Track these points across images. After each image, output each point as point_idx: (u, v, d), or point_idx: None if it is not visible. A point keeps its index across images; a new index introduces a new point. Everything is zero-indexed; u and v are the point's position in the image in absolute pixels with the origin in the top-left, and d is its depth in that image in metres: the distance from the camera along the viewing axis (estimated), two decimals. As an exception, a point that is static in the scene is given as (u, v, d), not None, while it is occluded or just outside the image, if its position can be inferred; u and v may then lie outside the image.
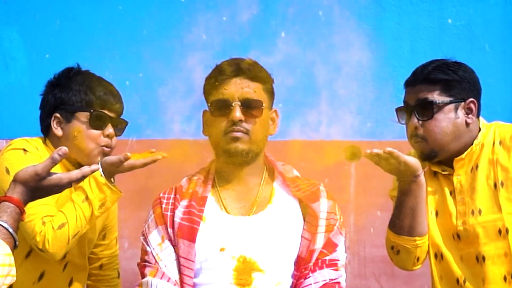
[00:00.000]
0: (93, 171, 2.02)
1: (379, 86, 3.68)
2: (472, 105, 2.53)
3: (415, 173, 2.40)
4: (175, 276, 2.34)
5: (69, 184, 1.99)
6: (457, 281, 2.50)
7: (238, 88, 2.40)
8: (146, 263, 2.38)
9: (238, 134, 2.37)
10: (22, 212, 1.93)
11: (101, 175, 2.46)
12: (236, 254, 2.32)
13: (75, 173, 1.99)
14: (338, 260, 2.37)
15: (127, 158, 2.44)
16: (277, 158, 2.55)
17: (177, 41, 3.72)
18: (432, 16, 3.68)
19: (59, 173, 1.99)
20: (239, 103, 2.38)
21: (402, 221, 2.49)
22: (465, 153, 2.52)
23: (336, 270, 2.35)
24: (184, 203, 2.40)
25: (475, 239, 2.48)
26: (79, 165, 2.60)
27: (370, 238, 3.61)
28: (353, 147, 3.67)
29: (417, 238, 2.50)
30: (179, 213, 2.38)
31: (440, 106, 2.50)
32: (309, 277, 2.33)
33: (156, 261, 2.36)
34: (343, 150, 3.67)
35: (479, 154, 2.53)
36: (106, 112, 2.60)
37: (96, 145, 2.58)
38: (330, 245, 2.37)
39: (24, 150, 2.51)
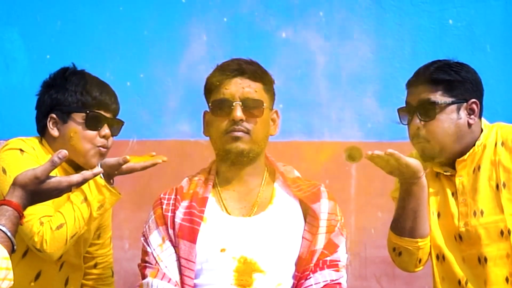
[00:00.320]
0: (95, 175, 1.99)
1: (380, 87, 3.68)
2: (474, 106, 2.52)
3: (416, 175, 2.39)
4: (175, 277, 2.34)
5: (68, 188, 1.96)
6: (459, 282, 2.50)
7: (239, 88, 2.40)
8: (147, 264, 2.37)
9: (239, 134, 2.37)
10: (21, 216, 1.91)
11: (101, 177, 2.46)
12: (236, 254, 2.32)
13: (76, 177, 1.97)
14: (339, 260, 2.37)
15: (126, 161, 2.45)
16: (278, 159, 2.55)
17: (178, 42, 3.72)
18: (433, 17, 3.68)
19: (59, 176, 1.97)
20: (240, 103, 2.38)
21: (403, 222, 2.49)
22: (467, 154, 2.52)
23: (337, 271, 2.35)
24: (184, 203, 2.40)
25: (477, 240, 2.48)
26: (76, 166, 2.61)
27: (371, 239, 3.60)
28: (354, 148, 3.68)
29: (419, 239, 2.50)
30: (179, 214, 2.38)
31: (443, 107, 2.50)
32: (310, 278, 2.33)
33: (156, 262, 2.36)
34: (344, 151, 3.68)
35: (481, 155, 2.52)
36: (102, 112, 2.60)
37: (92, 145, 2.58)
38: (331, 246, 2.37)
39: (21, 150, 2.51)
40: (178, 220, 2.37)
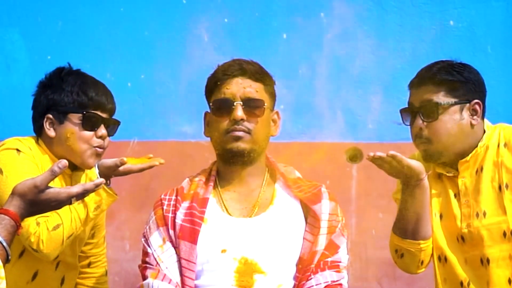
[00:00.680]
0: (96, 186, 1.96)
1: (380, 87, 3.67)
2: (477, 107, 2.52)
3: (418, 177, 2.39)
4: (176, 278, 2.34)
5: (68, 199, 1.93)
6: (461, 283, 2.49)
7: (240, 88, 2.40)
8: (147, 265, 2.37)
9: (240, 134, 2.37)
10: (17, 226, 1.88)
11: (98, 178, 2.46)
12: (237, 255, 2.32)
13: (76, 188, 1.94)
14: (340, 261, 2.37)
15: (123, 163, 2.45)
16: (279, 160, 2.54)
17: (179, 43, 3.72)
18: (434, 18, 3.68)
19: (58, 187, 1.94)
20: (241, 103, 2.38)
21: (406, 224, 2.48)
22: (470, 155, 2.51)
23: (338, 272, 2.35)
24: (185, 204, 2.40)
25: (479, 242, 2.47)
26: (72, 166, 2.61)
27: (372, 240, 3.60)
28: (355, 149, 3.68)
29: (421, 241, 2.49)
30: (180, 215, 2.38)
31: (445, 108, 2.50)
32: (311, 279, 2.33)
33: (157, 263, 2.35)
34: (344, 152, 3.68)
35: (484, 156, 2.52)
36: (98, 113, 2.60)
37: (89, 146, 2.58)
38: (332, 247, 2.36)
39: (18, 150, 2.51)
40: (178, 221, 2.37)
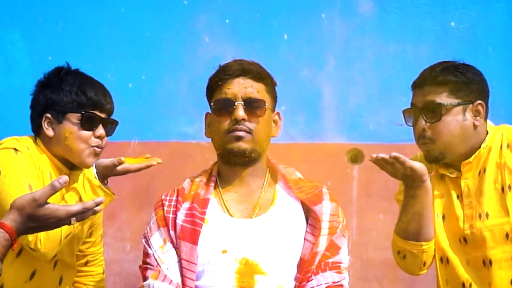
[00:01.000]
0: (97, 204, 1.94)
1: (381, 89, 3.67)
2: (480, 108, 2.52)
3: (421, 179, 2.38)
4: (177, 278, 2.33)
5: (67, 218, 1.89)
6: (463, 285, 2.49)
7: (241, 88, 2.40)
8: (148, 266, 2.37)
9: (241, 133, 2.37)
10: (12, 240, 1.84)
11: (95, 177, 2.47)
12: (238, 256, 2.32)
13: (76, 206, 1.90)
14: (341, 262, 2.36)
15: (121, 162, 2.45)
16: (280, 161, 2.54)
17: (180, 44, 3.72)
18: (435, 19, 3.68)
19: (57, 204, 1.91)
20: (242, 103, 2.38)
21: (408, 226, 2.48)
22: (473, 156, 2.51)
23: (339, 273, 2.34)
24: (186, 205, 2.40)
25: (482, 243, 2.47)
26: (70, 165, 2.62)
27: (373, 241, 3.60)
28: (356, 150, 3.68)
29: (423, 243, 2.49)
30: (181, 216, 2.38)
31: (448, 108, 2.49)
32: (312, 280, 2.32)
33: (158, 263, 2.35)
34: (345, 153, 3.68)
35: (487, 157, 2.51)
36: (97, 113, 2.60)
37: (87, 145, 2.59)
38: (333, 248, 2.36)
39: (15, 149, 2.51)
40: (179, 221, 2.37)
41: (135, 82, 3.71)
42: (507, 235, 2.45)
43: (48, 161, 2.58)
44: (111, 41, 3.72)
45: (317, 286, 2.31)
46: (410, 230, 2.48)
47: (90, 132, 2.59)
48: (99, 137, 2.60)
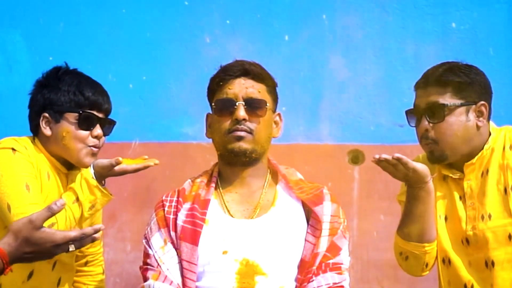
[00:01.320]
0: (96, 231, 1.93)
1: (382, 89, 3.67)
2: (483, 108, 2.51)
3: (423, 180, 2.38)
4: (177, 279, 2.33)
5: (65, 243, 1.86)
6: (465, 286, 2.49)
7: (242, 88, 2.40)
8: (148, 266, 2.37)
9: (242, 134, 2.37)
10: (4, 264, 1.81)
11: (93, 177, 2.47)
12: (239, 257, 2.32)
13: (74, 232, 1.88)
14: (342, 263, 2.36)
15: (118, 163, 2.46)
16: (281, 162, 2.54)
17: (181, 44, 3.72)
18: (436, 20, 3.68)
19: (54, 229, 1.89)
20: (243, 103, 2.38)
21: (410, 227, 2.48)
22: (476, 157, 2.51)
23: (340, 273, 2.34)
24: (186, 206, 2.40)
25: (484, 244, 2.46)
26: (68, 165, 2.62)
27: (373, 242, 3.60)
28: (356, 151, 3.68)
29: (426, 244, 2.49)
30: (181, 216, 2.38)
31: (451, 109, 2.49)
32: (312, 280, 2.32)
33: (158, 264, 2.35)
34: (346, 154, 3.68)
35: (489, 158, 2.51)
36: (94, 112, 2.61)
37: (84, 145, 2.60)
38: (334, 249, 2.36)
39: (13, 149, 2.52)
40: (180, 222, 2.37)
41: (136, 83, 3.71)
42: (509, 236, 2.45)
43: (46, 160, 2.59)
44: (112, 41, 3.73)
45: (317, 287, 2.31)
46: (412, 232, 2.48)
47: (87, 132, 2.60)
48: (96, 137, 2.61)
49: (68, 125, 2.59)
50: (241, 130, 2.37)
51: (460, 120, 2.50)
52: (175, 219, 2.38)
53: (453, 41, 3.64)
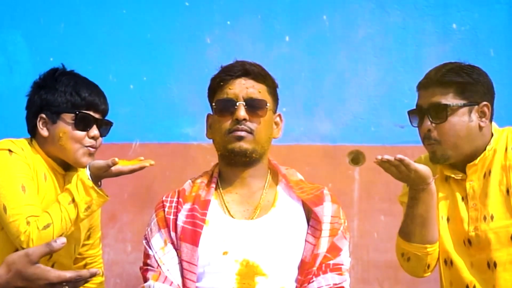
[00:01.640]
0: (92, 274, 1.92)
1: (383, 90, 3.67)
2: (485, 109, 2.51)
3: (425, 181, 2.38)
4: (177, 280, 2.33)
5: (59, 284, 1.83)
6: (467, 287, 2.48)
7: (243, 88, 2.40)
8: (149, 267, 2.37)
9: (242, 134, 2.37)
10: None
11: (88, 178, 2.47)
12: (239, 258, 2.32)
13: (69, 273, 1.86)
14: (342, 264, 2.36)
15: (115, 163, 2.46)
16: (281, 162, 2.54)
17: (181, 45, 3.72)
18: (437, 21, 3.68)
19: (49, 267, 1.86)
20: (244, 103, 2.38)
21: (412, 228, 2.47)
22: (478, 158, 2.51)
23: (340, 274, 2.34)
24: (187, 206, 2.40)
25: (486, 245, 2.46)
26: (66, 165, 2.63)
27: (374, 243, 3.60)
28: (357, 152, 3.68)
29: (427, 245, 2.49)
30: (182, 217, 2.38)
31: (454, 109, 2.49)
32: (312, 281, 2.32)
33: (158, 265, 2.35)
34: (347, 154, 3.68)
35: (492, 159, 2.51)
36: (91, 113, 2.62)
37: (80, 145, 2.61)
38: (334, 249, 2.36)
39: (10, 150, 2.53)
40: (180, 223, 2.37)
41: (136, 84, 3.72)
42: (512, 238, 2.45)
43: (43, 162, 2.59)
44: (113, 42, 3.73)
45: (317, 287, 2.31)
46: (414, 233, 2.48)
47: (84, 132, 2.61)
48: (93, 138, 2.62)
49: (65, 126, 2.60)
50: (242, 130, 2.37)
51: (463, 121, 2.49)
52: (175, 220, 2.38)
53: (454, 42, 3.65)
